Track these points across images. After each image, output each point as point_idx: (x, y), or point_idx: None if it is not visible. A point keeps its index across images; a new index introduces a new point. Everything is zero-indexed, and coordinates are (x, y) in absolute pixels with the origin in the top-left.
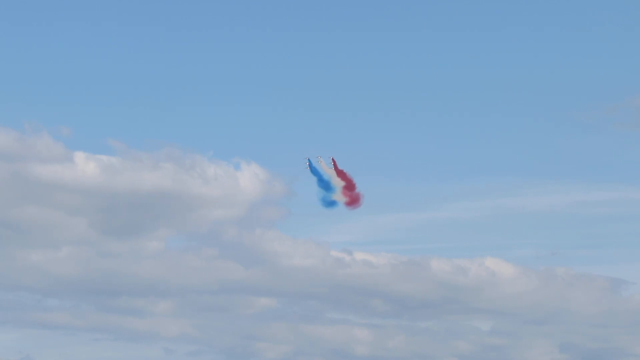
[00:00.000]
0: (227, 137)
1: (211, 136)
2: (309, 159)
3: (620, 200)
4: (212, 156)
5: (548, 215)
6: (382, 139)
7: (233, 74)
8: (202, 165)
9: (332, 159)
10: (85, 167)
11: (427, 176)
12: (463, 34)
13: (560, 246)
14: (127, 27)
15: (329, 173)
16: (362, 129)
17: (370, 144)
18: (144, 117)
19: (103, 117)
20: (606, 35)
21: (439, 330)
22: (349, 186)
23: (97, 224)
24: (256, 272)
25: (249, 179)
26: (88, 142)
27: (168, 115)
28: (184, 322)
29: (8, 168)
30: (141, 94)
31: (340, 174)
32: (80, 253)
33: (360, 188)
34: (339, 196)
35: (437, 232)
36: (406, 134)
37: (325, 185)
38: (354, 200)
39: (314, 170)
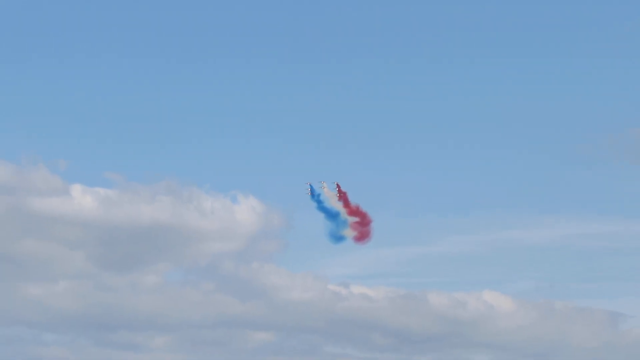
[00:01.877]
0: (224, 170)
1: (208, 169)
2: (310, 185)
3: (618, 233)
4: (209, 189)
5: (546, 248)
6: (378, 173)
7: (229, 108)
8: (199, 198)
9: (337, 185)
10: (83, 200)
11: (424, 210)
12: (465, 68)
13: (559, 279)
14: (124, 60)
15: (332, 198)
16: (359, 162)
17: (366, 178)
18: (141, 150)
19: (100, 149)
20: (604, 67)
21: None
22: (363, 221)
23: (95, 258)
24: (254, 306)
25: (246, 211)
26: (85, 175)
27: (165, 148)
28: (182, 357)
29: (5, 201)
30: (138, 127)
31: (352, 208)
32: (78, 287)
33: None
34: (348, 231)
35: (434, 265)
36: (403, 168)
37: (334, 218)
38: (364, 235)
39: (316, 198)
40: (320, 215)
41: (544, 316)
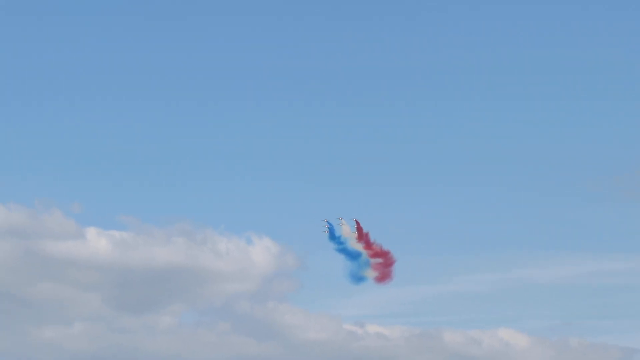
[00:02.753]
0: (238, 211)
1: (222, 210)
2: (328, 222)
3: (631, 270)
4: (224, 230)
5: (560, 286)
6: (390, 212)
7: (241, 149)
8: (213, 239)
9: (356, 222)
10: (98, 243)
11: (438, 249)
12: (478, 110)
13: (573, 317)
14: (137, 103)
15: (351, 236)
16: (371, 201)
17: (379, 217)
18: (155, 192)
19: (114, 192)
20: (615, 105)
21: None
22: (386, 262)
23: (110, 300)
24: (269, 346)
25: (261, 252)
26: (99, 218)
27: (179, 190)
28: None
29: (20, 245)
30: (151, 169)
31: (373, 247)
32: (93, 329)
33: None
34: (369, 271)
35: (449, 304)
36: (415, 206)
37: (355, 259)
38: (385, 276)
39: (335, 238)
40: (337, 255)
41: (559, 353)
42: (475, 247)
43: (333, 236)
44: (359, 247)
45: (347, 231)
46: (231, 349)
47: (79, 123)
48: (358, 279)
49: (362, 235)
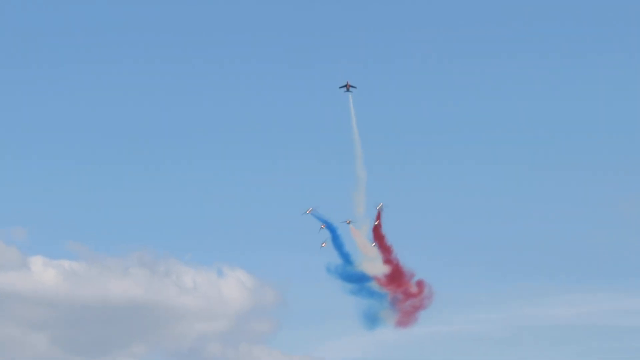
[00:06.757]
0: (207, 239)
1: (189, 237)
2: (318, 218)
3: None
4: (191, 261)
5: (579, 325)
6: None
7: (209, 166)
8: (178, 271)
9: (378, 210)
10: (44, 274)
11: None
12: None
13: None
14: (89, 116)
15: (364, 248)
16: None
17: None
18: (110, 216)
19: (62, 216)
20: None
21: None
22: (419, 292)
23: (60, 340)
24: None
25: (234, 286)
26: (46, 246)
27: (138, 214)
28: None
29: None
30: (107, 189)
31: (397, 266)
32: None
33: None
34: (389, 314)
35: (449, 347)
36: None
37: (372, 294)
38: (409, 319)
39: (341, 248)
40: (321, 288)
41: None
42: (473, 284)
43: (339, 245)
44: (375, 265)
45: (358, 236)
46: None
47: (25, 139)
48: (373, 321)
49: (379, 231)
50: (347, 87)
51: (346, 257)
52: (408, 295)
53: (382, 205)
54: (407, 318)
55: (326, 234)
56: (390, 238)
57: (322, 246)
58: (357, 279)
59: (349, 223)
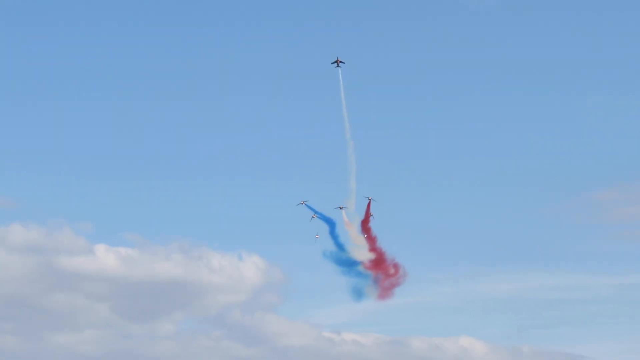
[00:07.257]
0: (230, 231)
1: (217, 230)
2: (312, 209)
3: (574, 285)
4: (218, 248)
5: (514, 298)
6: None
7: (234, 175)
8: (208, 256)
9: (369, 202)
10: (106, 258)
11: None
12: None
13: (526, 326)
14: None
15: (354, 236)
16: None
17: None
18: (156, 213)
19: (121, 212)
20: (570, 134)
21: None
22: (395, 273)
23: (117, 309)
24: (257, 351)
25: (250, 268)
26: (107, 236)
27: (179, 211)
28: None
29: (36, 260)
30: (154, 191)
31: (378, 251)
32: (102, 335)
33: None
34: (372, 289)
35: (417, 314)
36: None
37: (357, 273)
38: (386, 293)
39: (335, 236)
40: (319, 271)
41: (513, 359)
42: (439, 263)
43: (335, 237)
44: (363, 252)
45: (350, 228)
46: (224, 353)
47: (91, 148)
48: (359, 294)
49: (367, 224)
50: (337, 62)
51: (340, 246)
52: (387, 275)
53: (370, 200)
54: (386, 292)
55: (321, 226)
56: (375, 229)
57: (316, 238)
58: (348, 264)
59: (341, 209)
